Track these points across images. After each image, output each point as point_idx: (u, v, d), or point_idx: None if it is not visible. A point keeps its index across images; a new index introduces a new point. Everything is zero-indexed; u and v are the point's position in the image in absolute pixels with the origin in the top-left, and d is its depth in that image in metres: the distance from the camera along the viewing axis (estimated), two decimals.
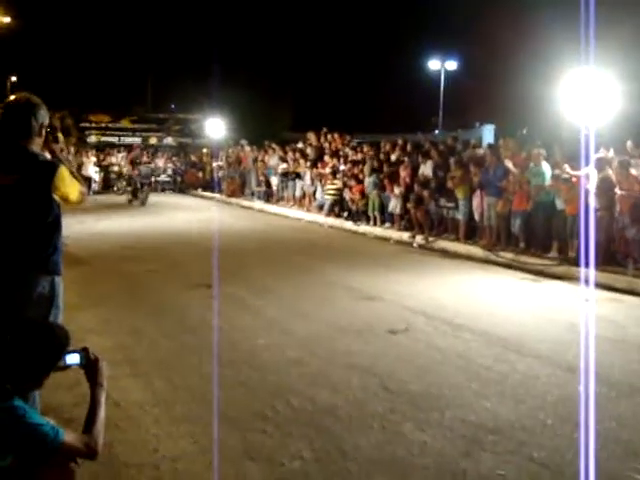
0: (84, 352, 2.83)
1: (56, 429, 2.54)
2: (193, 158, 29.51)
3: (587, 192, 9.71)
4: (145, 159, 25.36)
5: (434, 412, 4.49)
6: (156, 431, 4.18)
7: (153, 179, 24.95)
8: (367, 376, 5.22)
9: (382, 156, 16.09)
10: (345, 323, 6.85)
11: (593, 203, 9.70)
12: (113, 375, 4.74)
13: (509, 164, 11.82)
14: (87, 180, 20.69)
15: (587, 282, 8.33)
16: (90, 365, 2.83)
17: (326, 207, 17.17)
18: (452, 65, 34.61)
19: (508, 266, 10.61)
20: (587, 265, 8.23)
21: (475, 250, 11.83)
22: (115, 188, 27.11)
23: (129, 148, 30.85)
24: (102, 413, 2.75)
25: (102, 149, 31.50)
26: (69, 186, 3.65)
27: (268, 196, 21.58)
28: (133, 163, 24.89)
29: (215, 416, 4.26)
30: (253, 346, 6.03)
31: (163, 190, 27.10)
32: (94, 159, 27.76)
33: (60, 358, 2.72)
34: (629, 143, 10.93)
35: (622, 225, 9.73)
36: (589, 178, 9.94)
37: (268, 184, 21.70)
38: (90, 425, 2.69)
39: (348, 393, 4.84)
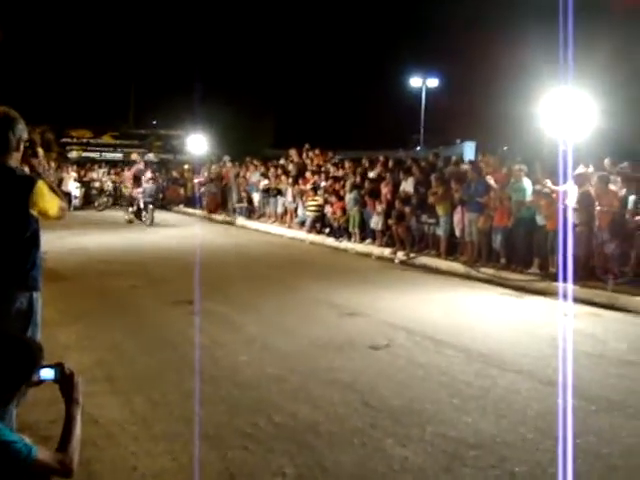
0: (59, 367, 2.77)
1: (29, 447, 2.47)
2: (175, 174, 29.37)
3: (566, 207, 9.81)
4: (149, 174, 22.56)
5: (415, 428, 4.48)
6: (135, 449, 4.13)
7: (159, 195, 22.83)
8: (348, 392, 5.20)
9: (361, 171, 16.15)
10: (326, 339, 6.83)
11: (572, 218, 9.79)
12: (92, 392, 4.71)
13: (490, 180, 11.91)
14: (66, 195, 19.87)
15: (566, 297, 8.39)
16: (65, 380, 2.75)
17: (308, 223, 17.16)
18: (433, 82, 34.87)
19: (489, 282, 10.67)
20: (567, 280, 8.30)
21: (456, 266, 11.88)
22: (96, 204, 26.89)
23: (112, 163, 30.50)
24: (77, 430, 2.69)
25: (83, 165, 31.30)
26: (48, 202, 3.61)
27: (250, 212, 21.54)
28: (135, 179, 22.32)
29: (195, 433, 4.22)
30: (234, 362, 6.00)
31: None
32: (74, 174, 27.52)
33: (33, 372, 2.65)
34: (607, 160, 11.07)
35: (601, 240, 9.84)
36: (567, 194, 10.05)
37: (250, 200, 21.67)
38: (65, 443, 2.62)
39: (329, 409, 4.83)
